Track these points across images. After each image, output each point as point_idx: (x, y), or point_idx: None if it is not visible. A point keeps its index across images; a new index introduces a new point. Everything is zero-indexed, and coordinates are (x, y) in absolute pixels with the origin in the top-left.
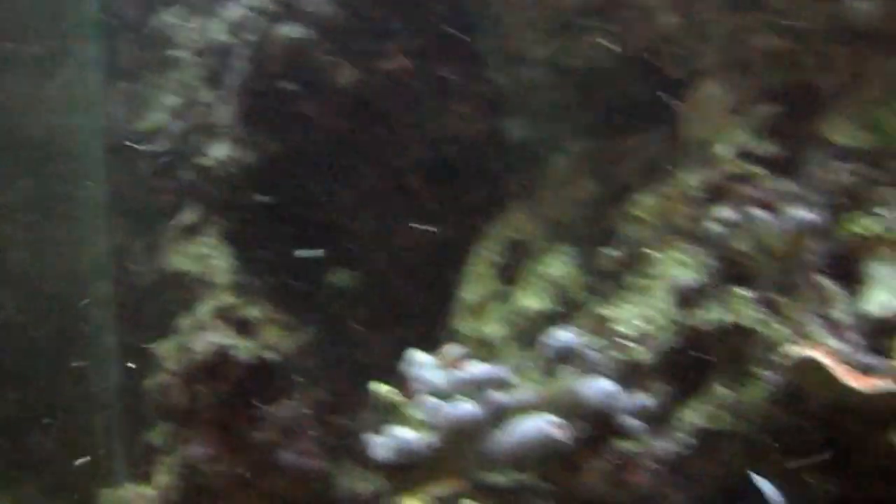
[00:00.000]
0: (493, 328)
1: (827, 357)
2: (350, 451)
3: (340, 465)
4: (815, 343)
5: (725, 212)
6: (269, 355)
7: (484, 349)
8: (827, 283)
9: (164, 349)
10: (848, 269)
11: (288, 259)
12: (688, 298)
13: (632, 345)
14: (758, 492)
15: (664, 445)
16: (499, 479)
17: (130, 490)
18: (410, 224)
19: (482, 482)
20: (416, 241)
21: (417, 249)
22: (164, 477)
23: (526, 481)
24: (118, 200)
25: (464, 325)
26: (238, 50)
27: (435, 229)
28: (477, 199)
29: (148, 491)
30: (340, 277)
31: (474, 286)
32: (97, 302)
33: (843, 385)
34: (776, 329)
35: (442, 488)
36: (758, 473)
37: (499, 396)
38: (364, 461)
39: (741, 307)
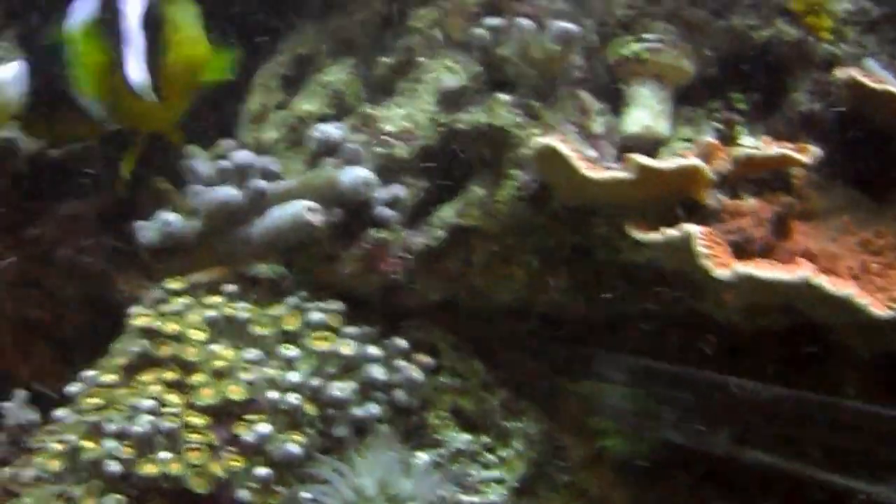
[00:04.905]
0: (270, 133)
1: (564, 144)
2: (132, 253)
3: (120, 267)
4: (557, 133)
5: (493, 20)
6: (53, 152)
7: (260, 151)
8: (588, 97)
9: None
10: (615, 90)
11: None
12: (450, 100)
13: (393, 141)
14: None
15: (416, 238)
16: (260, 268)
17: None
18: None
19: (244, 271)
20: None
21: None
22: None
23: (285, 272)
24: None
25: (245, 133)
26: None
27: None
28: (270, 20)
29: None
30: None
31: (258, 97)
32: None
33: (576, 172)
34: (530, 131)
35: (204, 275)
36: (506, 272)
37: (260, 183)
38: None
39: (499, 110)
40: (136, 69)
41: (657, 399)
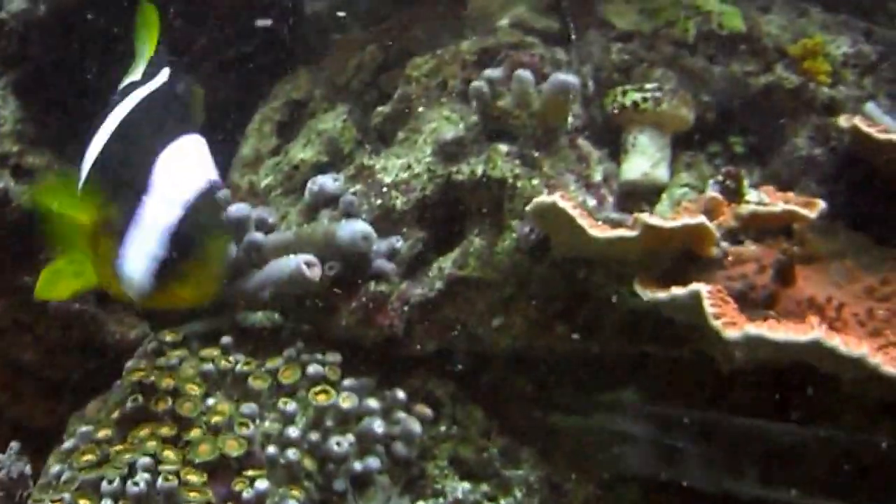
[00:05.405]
0: (265, 179)
1: (567, 202)
2: None
3: (112, 311)
4: (560, 191)
5: (492, 72)
6: None
7: (255, 198)
8: (587, 145)
9: None
10: (614, 138)
11: (77, 113)
12: (448, 151)
13: (391, 192)
14: None
15: (415, 289)
16: (258, 319)
17: None
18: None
19: (242, 322)
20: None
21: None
22: None
23: (284, 323)
24: None
25: (239, 177)
26: None
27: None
28: (265, 64)
29: None
30: None
31: (253, 142)
32: None
33: (581, 230)
34: (531, 183)
35: (202, 326)
36: (504, 320)
37: (257, 236)
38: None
39: (498, 160)
40: (138, 269)
41: (656, 440)
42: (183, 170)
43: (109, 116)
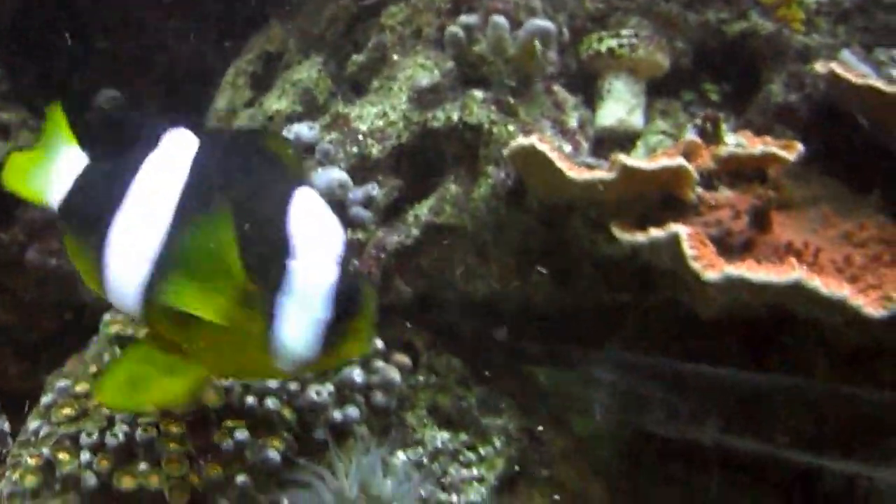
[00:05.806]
0: None
1: (545, 144)
2: None
3: None
4: (537, 134)
5: (467, 18)
6: None
7: None
8: (562, 91)
9: None
10: (588, 85)
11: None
12: (424, 98)
13: (366, 140)
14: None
15: (391, 237)
16: None
17: None
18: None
19: None
20: (177, 58)
21: (178, 67)
22: None
23: None
24: None
25: None
26: None
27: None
28: (238, 18)
29: None
30: (105, 95)
31: (228, 95)
32: None
33: (559, 172)
34: (507, 129)
35: None
36: (480, 268)
37: None
38: None
39: (474, 107)
40: (302, 336)
41: (631, 389)
42: (320, 225)
43: (131, 206)
